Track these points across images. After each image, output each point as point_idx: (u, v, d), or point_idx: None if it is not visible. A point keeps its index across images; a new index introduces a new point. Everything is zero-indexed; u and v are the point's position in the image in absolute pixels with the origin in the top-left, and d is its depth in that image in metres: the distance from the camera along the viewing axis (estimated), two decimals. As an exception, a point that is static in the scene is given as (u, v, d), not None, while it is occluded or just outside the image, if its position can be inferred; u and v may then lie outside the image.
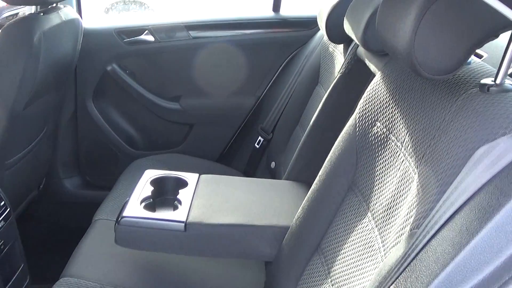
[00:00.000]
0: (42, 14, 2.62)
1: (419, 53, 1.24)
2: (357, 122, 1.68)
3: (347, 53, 2.38)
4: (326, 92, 2.58)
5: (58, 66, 2.78)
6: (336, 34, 2.43)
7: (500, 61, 1.20)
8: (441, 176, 1.15)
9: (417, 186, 1.24)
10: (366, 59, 2.10)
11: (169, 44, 3.31)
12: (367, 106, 1.66)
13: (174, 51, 3.33)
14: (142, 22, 3.39)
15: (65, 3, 2.90)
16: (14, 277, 2.55)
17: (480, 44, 1.22)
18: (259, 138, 3.14)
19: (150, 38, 3.31)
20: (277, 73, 3.32)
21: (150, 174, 2.33)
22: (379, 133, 1.56)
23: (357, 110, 1.71)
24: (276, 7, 3.36)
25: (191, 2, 8.41)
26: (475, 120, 1.14)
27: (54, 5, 2.78)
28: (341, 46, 2.57)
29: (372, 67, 2.00)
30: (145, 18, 3.50)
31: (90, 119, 3.41)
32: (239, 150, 3.40)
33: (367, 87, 2.12)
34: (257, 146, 3.15)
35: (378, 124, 1.58)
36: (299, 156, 2.46)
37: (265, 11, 3.40)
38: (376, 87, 1.66)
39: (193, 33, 3.30)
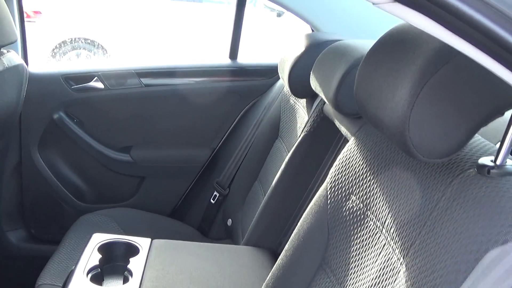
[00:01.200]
0: None
1: (415, 133, 1.06)
2: (328, 193, 1.52)
3: (312, 109, 2.22)
4: (286, 148, 2.46)
5: None
6: (300, 88, 2.27)
7: (501, 138, 1.05)
8: (440, 280, 0.98)
9: (406, 282, 1.08)
10: (335, 120, 1.94)
11: (120, 92, 3.14)
12: (340, 176, 1.50)
13: (125, 99, 3.16)
14: (91, 67, 3.22)
15: (10, 47, 2.70)
16: None
17: (485, 123, 1.06)
18: (215, 193, 2.99)
19: (100, 85, 3.13)
20: (234, 124, 3.16)
21: (98, 238, 2.15)
22: (355, 208, 1.40)
23: (328, 179, 1.55)
24: (233, 54, 3.20)
25: (147, 41, 8.32)
26: (479, 213, 0.97)
27: None
28: (304, 100, 2.42)
29: (343, 130, 1.84)
30: (94, 64, 3.34)
31: (35, 170, 3.21)
32: (193, 205, 3.22)
33: (335, 149, 1.98)
34: (213, 202, 2.99)
35: (353, 197, 1.42)
36: (260, 219, 2.29)
37: (221, 59, 3.24)
38: (350, 154, 1.50)
39: (144, 80, 3.13)
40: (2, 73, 2.48)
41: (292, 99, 2.55)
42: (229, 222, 2.78)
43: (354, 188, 1.43)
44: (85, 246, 2.13)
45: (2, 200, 3.20)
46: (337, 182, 1.50)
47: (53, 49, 8.23)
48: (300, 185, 2.11)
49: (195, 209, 3.17)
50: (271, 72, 3.11)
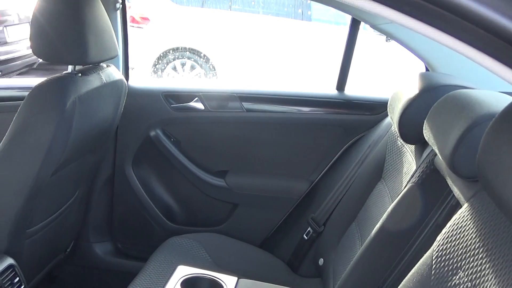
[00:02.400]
0: (79, 75, 2.38)
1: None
2: (433, 263, 1.37)
3: (421, 159, 2.06)
4: (389, 193, 2.31)
5: (94, 132, 2.56)
6: (410, 133, 2.12)
7: None
8: None
9: None
10: (447, 177, 1.78)
11: (220, 115, 3.08)
12: (448, 246, 1.35)
13: (225, 122, 3.09)
14: (193, 87, 3.17)
15: (111, 61, 2.66)
16: None
17: None
18: (309, 229, 2.85)
19: (200, 105, 3.08)
20: (335, 158, 3.01)
21: (183, 271, 2.07)
22: (461, 286, 1.25)
23: (435, 247, 1.41)
24: (341, 85, 3.07)
25: (252, 57, 8.26)
26: None
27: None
28: (412, 145, 2.27)
29: (455, 191, 1.67)
30: (195, 83, 3.28)
31: (127, 185, 3.19)
32: (285, 238, 3.09)
33: (443, 207, 1.83)
34: (306, 237, 2.86)
35: (461, 273, 1.27)
36: (355, 269, 2.14)
37: (328, 89, 3.11)
38: (461, 223, 1.35)
39: (246, 105, 3.05)
40: (98, 89, 2.44)
41: (400, 140, 2.40)
42: (321, 261, 2.66)
43: (463, 263, 1.28)
44: (169, 277, 2.05)
45: (92, 212, 3.20)
46: (444, 252, 1.35)
47: (158, 57, 8.29)
48: (401, 240, 1.96)
49: (287, 242, 3.04)
50: (379, 108, 2.95)
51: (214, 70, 8.23)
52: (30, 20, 2.30)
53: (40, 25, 2.27)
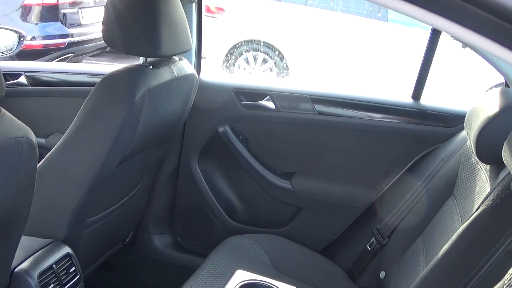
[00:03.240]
0: (151, 67, 2.36)
1: None
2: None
3: (497, 181, 1.97)
4: (459, 212, 2.22)
5: (162, 125, 2.54)
6: (487, 153, 2.04)
7: None
8: None
9: None
10: None
11: (291, 115, 3.03)
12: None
13: (295, 123, 3.03)
14: (265, 85, 3.14)
15: (184, 55, 2.64)
16: None
17: None
18: (373, 239, 2.77)
19: (271, 104, 3.03)
20: (406, 169, 2.92)
21: (241, 276, 2.04)
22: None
23: (505, 280, 1.34)
24: (417, 94, 2.97)
25: (325, 55, 8.17)
26: None
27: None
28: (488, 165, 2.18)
29: None
30: (268, 82, 3.24)
31: (191, 179, 3.18)
32: (347, 247, 3.02)
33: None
34: (369, 248, 2.78)
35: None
36: None
37: (403, 97, 3.02)
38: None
39: (318, 107, 2.98)
40: (169, 83, 2.43)
41: (475, 157, 2.31)
42: (382, 274, 2.58)
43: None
44: (227, 281, 2.03)
45: (154, 204, 3.21)
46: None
47: (231, 48, 8.29)
48: (470, 264, 1.88)
49: (349, 251, 2.98)
50: (455, 120, 2.83)
51: (288, 69, 8.18)
52: (105, 4, 2.30)
53: (114, 14, 2.26)
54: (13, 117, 1.60)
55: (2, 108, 1.57)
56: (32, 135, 1.64)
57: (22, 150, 1.59)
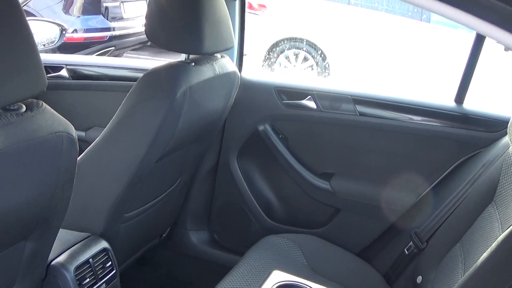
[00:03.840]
0: (193, 64, 2.36)
1: None
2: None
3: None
4: (499, 218, 2.19)
5: (203, 122, 2.55)
6: None
7: None
8: None
9: None
10: None
11: (332, 116, 3.01)
12: None
13: (336, 124, 3.02)
14: (306, 84, 3.13)
15: (226, 52, 2.64)
16: None
17: None
18: (411, 243, 2.74)
19: (312, 104, 3.02)
20: (446, 174, 2.88)
21: (278, 277, 2.04)
22: None
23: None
24: (460, 98, 2.93)
25: (367, 57, 8.11)
26: None
27: None
28: (530, 170, 2.15)
29: None
30: (309, 81, 3.24)
31: (230, 177, 3.20)
32: (384, 250, 3.00)
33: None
34: (406, 252, 2.75)
35: None
36: None
37: (446, 101, 2.99)
38: None
39: (359, 108, 2.97)
40: (211, 80, 2.43)
41: (517, 163, 2.29)
42: (419, 279, 2.56)
43: None
44: (263, 281, 2.03)
45: (192, 201, 3.23)
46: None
47: (272, 45, 8.28)
48: (510, 273, 1.86)
49: (386, 254, 2.95)
50: (498, 125, 2.80)
51: (329, 69, 8.15)
52: (147, -1, 2.32)
53: (157, 10, 2.28)
54: (54, 112, 1.61)
55: (43, 102, 1.58)
56: (72, 130, 1.64)
57: (62, 145, 1.60)
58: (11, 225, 1.57)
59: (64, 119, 1.63)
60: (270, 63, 8.29)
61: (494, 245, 1.94)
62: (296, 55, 8.33)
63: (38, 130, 1.50)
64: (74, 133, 1.65)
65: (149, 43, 8.19)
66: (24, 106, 1.50)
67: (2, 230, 1.55)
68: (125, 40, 8.21)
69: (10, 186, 1.47)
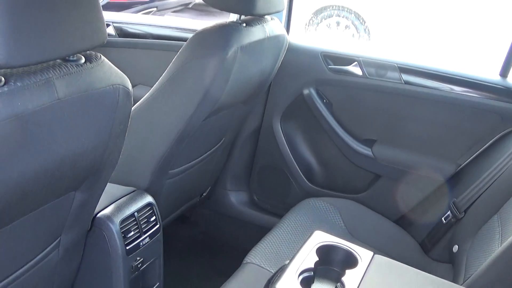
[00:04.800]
0: (244, 25, 2.40)
1: None
2: None
3: None
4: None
5: (250, 83, 2.59)
6: None
7: None
8: None
9: None
10: None
11: (377, 83, 3.03)
12: None
13: (380, 91, 3.04)
14: (353, 51, 3.14)
15: (275, 15, 2.67)
16: (146, 295, 2.40)
17: None
18: (448, 212, 2.77)
19: (358, 71, 3.05)
20: (488, 145, 2.90)
21: (319, 237, 2.06)
22: None
23: None
24: (505, 72, 2.93)
25: (413, 30, 8.01)
26: None
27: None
28: None
29: None
30: (356, 48, 3.23)
31: (272, 139, 3.24)
32: (422, 218, 3.02)
33: None
34: (444, 221, 2.78)
35: None
36: (491, 267, 2.06)
37: (491, 74, 2.99)
38: None
39: (405, 77, 2.99)
40: (261, 42, 2.47)
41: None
42: (455, 248, 2.58)
43: None
44: (304, 242, 2.05)
45: (233, 161, 3.29)
46: None
47: (316, 11, 8.22)
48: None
49: (423, 223, 2.97)
50: (542, 101, 2.80)
51: (369, 33, 8.09)
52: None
53: None
54: (111, 64, 1.66)
55: (101, 55, 1.63)
56: (128, 83, 1.69)
57: (118, 97, 1.65)
58: (66, 174, 1.63)
59: (121, 72, 1.68)
60: (312, 28, 8.25)
61: (532, 216, 1.97)
62: (338, 23, 8.27)
63: (96, 82, 1.55)
64: (130, 86, 1.70)
65: (190, 5, 8.18)
66: (83, 57, 1.55)
67: (57, 179, 1.60)
68: (167, 1, 8.19)
69: (68, 135, 1.52)
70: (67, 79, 1.45)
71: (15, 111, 1.28)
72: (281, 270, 1.87)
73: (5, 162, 1.34)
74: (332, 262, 1.99)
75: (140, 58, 3.41)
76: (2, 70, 1.30)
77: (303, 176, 3.25)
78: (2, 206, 1.45)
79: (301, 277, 1.84)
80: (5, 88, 1.27)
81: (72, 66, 1.49)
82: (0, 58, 1.21)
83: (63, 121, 1.47)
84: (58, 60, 1.46)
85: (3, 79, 1.28)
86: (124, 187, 2.40)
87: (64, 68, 1.45)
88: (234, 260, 2.44)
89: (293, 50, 3.03)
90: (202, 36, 2.31)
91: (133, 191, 2.39)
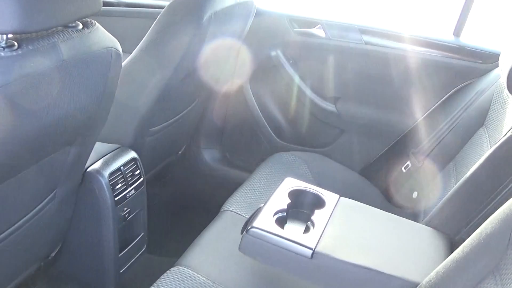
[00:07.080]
0: None
1: None
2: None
3: (525, 112, 2.18)
4: (489, 140, 2.43)
5: (224, 46, 2.75)
6: None
7: None
8: None
9: None
10: None
11: (339, 44, 3.22)
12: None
13: (342, 52, 3.22)
14: (316, 15, 3.31)
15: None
16: (132, 244, 2.61)
17: None
18: (408, 162, 2.98)
19: (321, 33, 3.23)
20: (442, 100, 3.11)
21: (290, 183, 2.25)
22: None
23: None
24: (458, 31, 3.14)
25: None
26: None
27: None
28: (518, 97, 2.38)
29: None
30: (319, 12, 3.39)
31: (243, 99, 3.40)
32: (383, 168, 3.22)
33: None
34: (404, 170, 2.99)
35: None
36: (447, 204, 2.28)
37: (445, 34, 3.20)
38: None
39: (365, 38, 3.18)
40: (232, 8, 2.63)
41: (507, 92, 2.50)
42: (415, 194, 2.79)
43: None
44: (277, 187, 2.23)
45: (206, 120, 3.44)
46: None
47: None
48: (494, 183, 2.07)
49: (385, 172, 3.16)
50: (491, 58, 3.01)
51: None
52: None
53: None
54: (104, 30, 1.85)
55: (95, 22, 1.83)
56: (119, 46, 1.89)
57: (111, 58, 1.85)
58: (65, 130, 1.81)
59: (113, 37, 1.87)
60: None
61: (482, 159, 2.18)
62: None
63: (93, 45, 1.75)
64: (120, 48, 1.89)
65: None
66: (80, 24, 1.75)
67: (57, 134, 1.79)
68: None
69: (71, 92, 1.71)
70: (70, 43, 1.65)
71: (28, 70, 1.47)
72: (257, 211, 2.06)
73: (21, 117, 1.53)
74: (302, 205, 2.19)
75: (116, 26, 3.51)
76: (16, 36, 1.48)
77: (272, 132, 3.43)
78: (15, 157, 1.64)
79: (275, 216, 2.04)
80: (19, 51, 1.46)
81: (73, 31, 1.69)
82: (18, 24, 1.40)
83: (67, 80, 1.66)
84: (59, 27, 1.65)
85: (16, 43, 1.47)
86: (110, 144, 2.56)
87: (66, 33, 1.65)
88: (211, 213, 2.58)
89: (260, 15, 3.17)
90: (179, 3, 2.46)
91: (119, 147, 2.56)
